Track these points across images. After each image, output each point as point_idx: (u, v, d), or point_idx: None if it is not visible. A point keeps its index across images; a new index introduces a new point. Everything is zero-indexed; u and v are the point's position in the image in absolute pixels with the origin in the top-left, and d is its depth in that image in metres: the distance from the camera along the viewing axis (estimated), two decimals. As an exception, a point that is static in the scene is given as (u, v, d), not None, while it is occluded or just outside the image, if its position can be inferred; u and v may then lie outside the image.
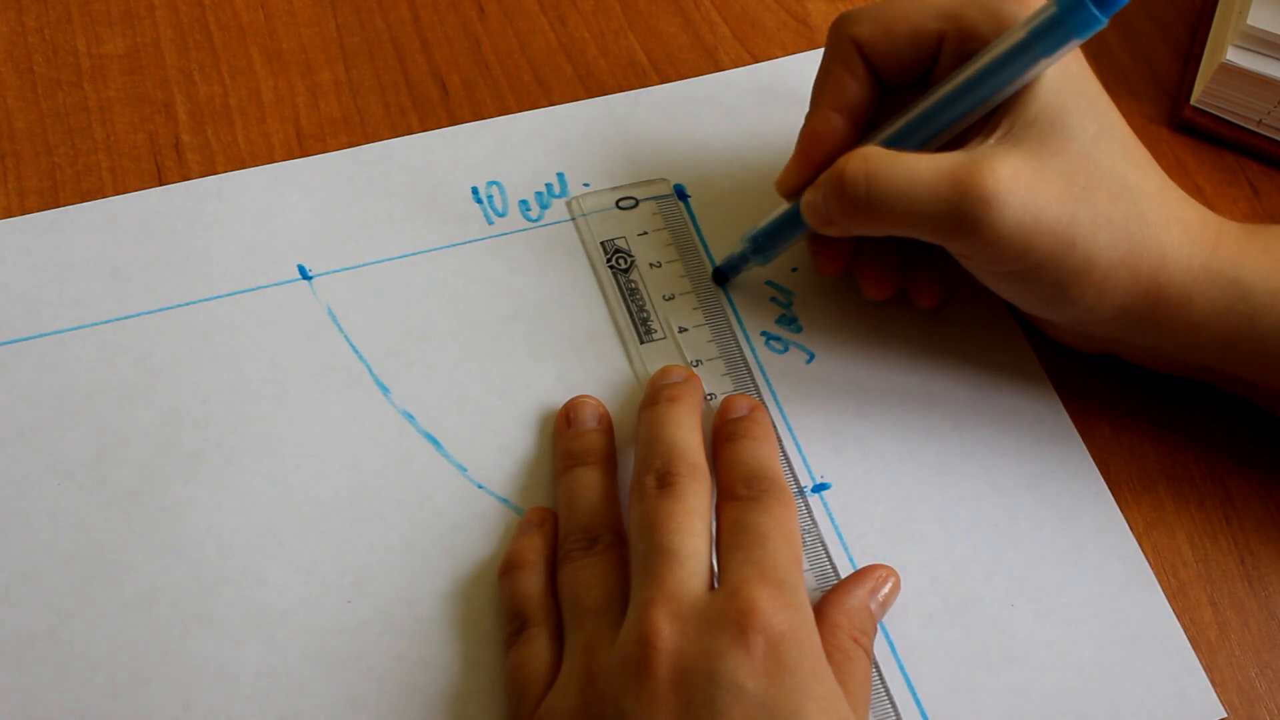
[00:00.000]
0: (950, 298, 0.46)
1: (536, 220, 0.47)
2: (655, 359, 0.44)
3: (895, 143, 0.40)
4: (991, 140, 0.38)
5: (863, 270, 0.44)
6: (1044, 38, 0.36)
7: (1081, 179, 0.38)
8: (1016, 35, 0.37)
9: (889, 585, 0.40)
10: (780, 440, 0.43)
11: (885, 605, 0.40)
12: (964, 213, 0.37)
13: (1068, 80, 0.38)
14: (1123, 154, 0.39)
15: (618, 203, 0.47)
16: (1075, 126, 0.38)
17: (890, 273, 0.44)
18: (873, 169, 0.38)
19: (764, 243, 0.44)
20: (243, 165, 0.47)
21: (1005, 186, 0.37)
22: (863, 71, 0.41)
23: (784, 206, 0.43)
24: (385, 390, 0.43)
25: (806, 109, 0.46)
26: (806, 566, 0.40)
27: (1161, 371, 0.44)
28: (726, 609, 0.34)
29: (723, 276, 0.46)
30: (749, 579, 0.35)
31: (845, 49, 0.41)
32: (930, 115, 0.39)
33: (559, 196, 0.47)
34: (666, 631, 0.34)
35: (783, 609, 0.34)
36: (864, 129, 0.42)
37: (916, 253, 0.44)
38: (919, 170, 0.38)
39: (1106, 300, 0.39)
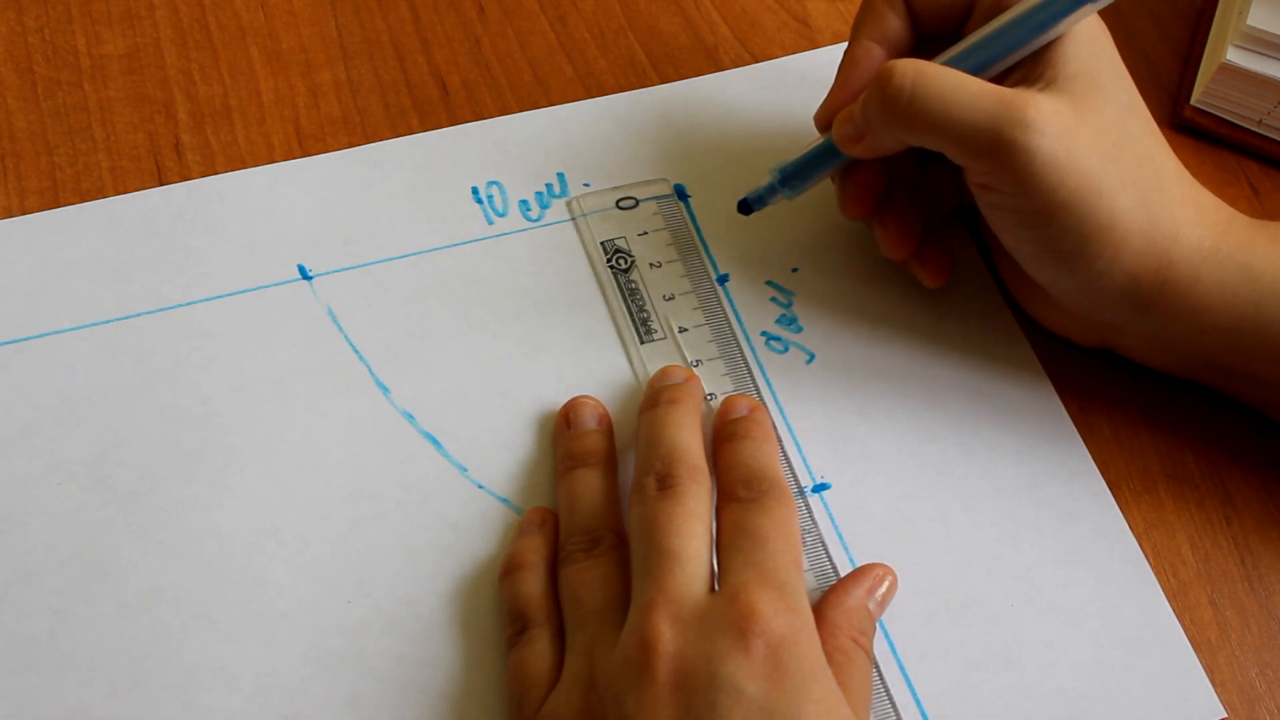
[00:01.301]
0: (950, 297, 0.46)
1: (536, 220, 0.47)
2: (655, 359, 0.44)
3: None
4: (1034, 88, 0.39)
5: (886, 220, 0.43)
6: None
7: (1113, 139, 0.38)
8: None
9: (886, 584, 0.40)
10: (780, 440, 0.43)
11: (883, 604, 0.40)
12: (1003, 132, 0.37)
13: (1102, 52, 0.39)
14: (1148, 129, 0.40)
15: (618, 203, 0.47)
16: (1109, 92, 0.39)
17: (911, 230, 0.43)
18: (922, 70, 0.38)
19: (793, 175, 0.44)
20: (243, 165, 0.47)
21: (1045, 118, 0.37)
22: (902, 8, 0.42)
23: (817, 140, 0.43)
24: (385, 390, 0.43)
25: (806, 109, 0.46)
26: (806, 567, 0.40)
27: (1160, 369, 0.44)
28: (727, 612, 0.34)
29: (748, 208, 0.45)
30: (749, 582, 0.35)
31: None
32: (974, 50, 0.40)
33: (559, 196, 0.47)
34: (667, 635, 0.34)
35: (783, 612, 0.34)
36: None
37: (929, 225, 0.44)
38: (965, 83, 0.38)
39: (1119, 265, 0.39)
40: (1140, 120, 0.40)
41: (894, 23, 0.42)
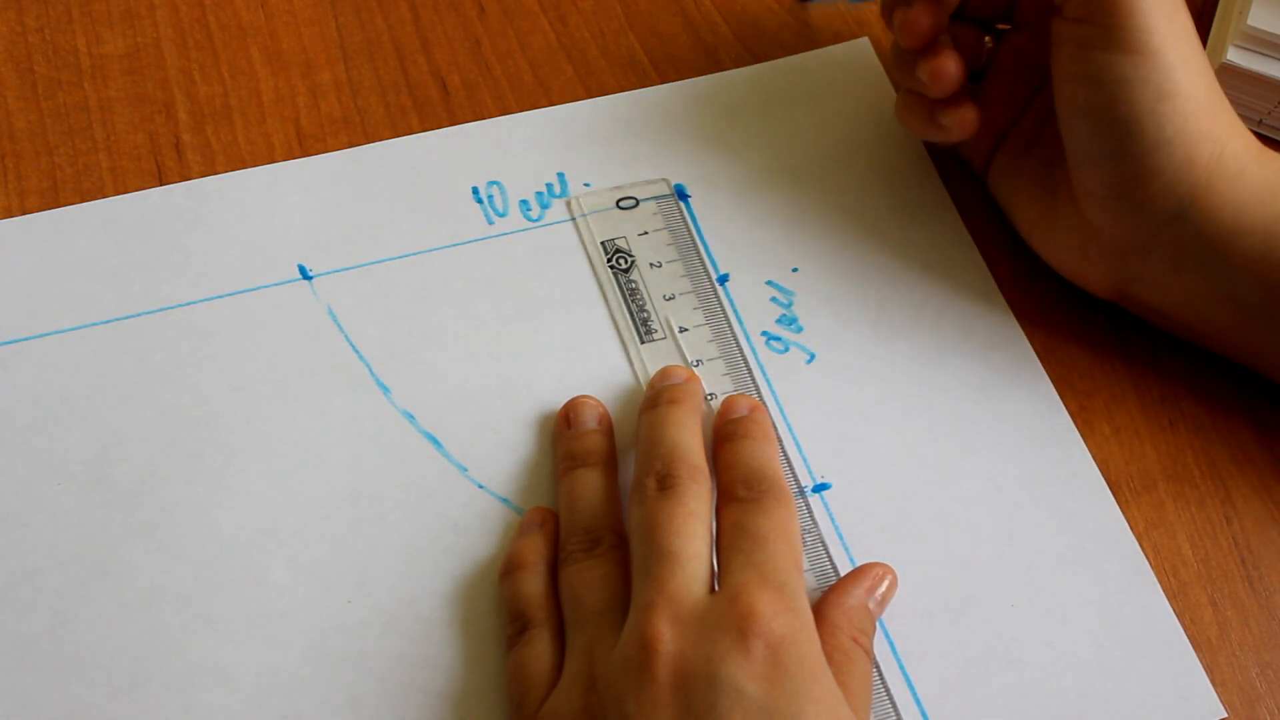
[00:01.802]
0: (950, 297, 0.46)
1: (536, 220, 0.47)
2: (655, 359, 0.44)
3: None
4: None
5: (940, 52, 0.44)
6: None
7: (1195, 34, 0.40)
8: None
9: (886, 583, 0.40)
10: (780, 440, 0.43)
11: (883, 603, 0.40)
12: None
13: None
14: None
15: (618, 203, 0.47)
16: (1182, 6, 0.41)
17: (957, 70, 0.44)
18: None
19: None
20: (243, 165, 0.47)
21: None
22: None
23: None
24: (385, 390, 0.43)
25: (806, 108, 0.46)
26: (806, 567, 0.40)
27: (1174, 310, 0.43)
28: (727, 613, 0.34)
29: None
30: (749, 582, 0.35)
31: None
32: None
33: (559, 196, 0.47)
34: (667, 635, 0.34)
35: (782, 613, 0.34)
36: None
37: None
38: None
39: (1182, 138, 0.40)
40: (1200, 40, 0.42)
41: None
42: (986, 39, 0.46)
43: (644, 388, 0.43)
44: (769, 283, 0.46)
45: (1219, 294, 0.42)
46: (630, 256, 0.46)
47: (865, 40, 0.52)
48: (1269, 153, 0.41)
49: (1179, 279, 0.42)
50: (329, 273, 0.45)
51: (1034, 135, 0.45)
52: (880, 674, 0.39)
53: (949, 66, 0.44)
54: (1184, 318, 0.44)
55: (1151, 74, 0.39)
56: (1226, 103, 0.41)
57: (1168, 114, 0.40)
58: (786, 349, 0.45)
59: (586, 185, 0.48)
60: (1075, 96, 0.41)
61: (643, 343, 0.44)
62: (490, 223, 0.47)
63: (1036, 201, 0.45)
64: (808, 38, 0.52)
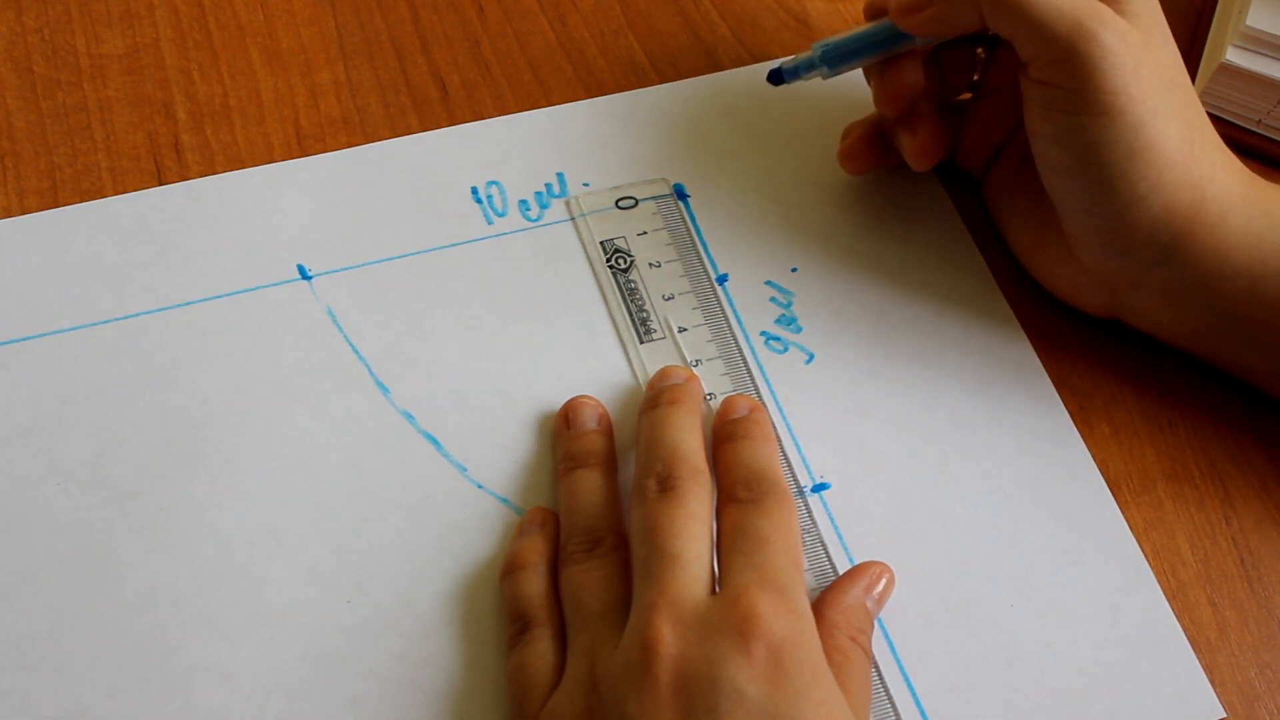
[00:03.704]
0: (951, 297, 0.46)
1: (536, 220, 0.47)
2: (655, 359, 0.44)
3: None
4: None
5: (916, 127, 0.44)
6: None
7: (1169, 74, 0.40)
8: None
9: (883, 582, 0.40)
10: (780, 440, 0.43)
11: (881, 602, 0.40)
12: (1085, 22, 0.38)
13: (1157, 5, 0.41)
14: (1190, 83, 0.41)
15: (617, 203, 0.47)
16: (1166, 38, 0.41)
17: (940, 139, 0.45)
18: None
19: (836, 52, 0.44)
20: (242, 165, 0.47)
21: (1123, 27, 0.39)
22: None
23: (865, 26, 0.44)
24: (385, 390, 0.43)
25: (806, 108, 0.46)
26: (806, 567, 0.40)
27: (1167, 336, 0.44)
28: (728, 615, 0.34)
29: (779, 78, 0.46)
30: (750, 584, 0.35)
31: None
32: None
33: (559, 196, 0.47)
34: (669, 637, 0.34)
35: (783, 615, 0.34)
36: None
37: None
38: None
39: (1159, 192, 0.40)
40: (1185, 74, 0.41)
41: None
42: (979, 50, 0.46)
43: (643, 388, 0.43)
44: (768, 283, 0.46)
45: (1209, 326, 0.43)
46: (629, 256, 0.46)
47: (865, 40, 0.52)
48: (1253, 193, 0.41)
49: (1168, 312, 0.43)
50: (328, 272, 0.45)
51: (1024, 158, 0.45)
52: (880, 674, 0.39)
53: (921, 154, 0.44)
54: (1177, 341, 0.44)
55: (1120, 134, 0.39)
56: (1210, 141, 0.41)
57: (1140, 171, 0.39)
58: (786, 349, 0.45)
59: (586, 185, 0.48)
60: (1048, 154, 0.41)
61: (642, 343, 0.44)
62: (489, 223, 0.47)
63: (1029, 230, 0.45)
64: (807, 37, 0.52)
